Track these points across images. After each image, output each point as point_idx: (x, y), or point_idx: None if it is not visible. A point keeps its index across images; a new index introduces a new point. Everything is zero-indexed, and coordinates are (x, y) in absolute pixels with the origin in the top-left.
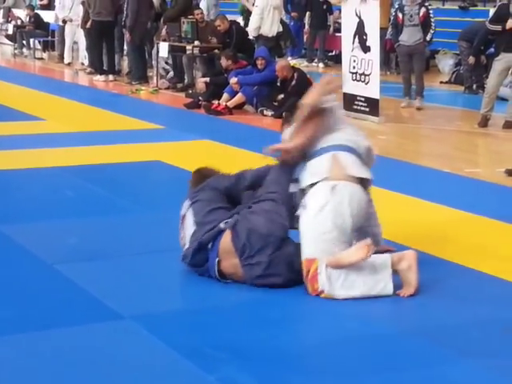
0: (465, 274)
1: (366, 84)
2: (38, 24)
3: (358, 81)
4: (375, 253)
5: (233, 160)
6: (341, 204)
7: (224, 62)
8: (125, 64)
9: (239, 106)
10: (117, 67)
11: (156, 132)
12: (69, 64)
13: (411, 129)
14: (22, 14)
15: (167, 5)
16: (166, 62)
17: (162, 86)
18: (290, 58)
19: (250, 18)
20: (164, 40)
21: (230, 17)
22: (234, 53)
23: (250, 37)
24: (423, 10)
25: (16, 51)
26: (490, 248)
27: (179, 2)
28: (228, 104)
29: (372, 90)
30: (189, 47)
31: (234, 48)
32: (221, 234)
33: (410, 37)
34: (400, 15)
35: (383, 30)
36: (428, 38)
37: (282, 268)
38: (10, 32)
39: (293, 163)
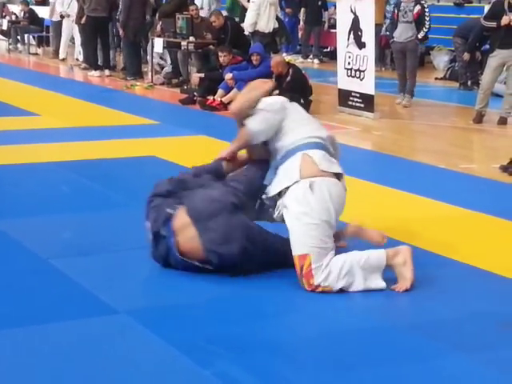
0: (460, 269)
1: (361, 80)
2: (33, 19)
3: (353, 77)
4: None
5: None
6: (323, 200)
7: (222, 58)
8: (120, 59)
9: None
10: (112, 63)
11: (151, 127)
12: (63, 60)
13: (406, 125)
14: (16, 9)
15: (162, 0)
16: (161, 58)
17: (156, 81)
18: (285, 54)
19: (246, 14)
20: (159, 36)
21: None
22: (230, 48)
23: (246, 32)
24: (418, 7)
25: (10, 47)
26: (485, 243)
27: None
28: (223, 99)
29: (367, 86)
30: (184, 43)
31: (229, 44)
32: (171, 218)
33: (401, 33)
34: (396, 11)
35: (378, 27)
36: (420, 35)
37: (237, 234)
38: (5, 27)
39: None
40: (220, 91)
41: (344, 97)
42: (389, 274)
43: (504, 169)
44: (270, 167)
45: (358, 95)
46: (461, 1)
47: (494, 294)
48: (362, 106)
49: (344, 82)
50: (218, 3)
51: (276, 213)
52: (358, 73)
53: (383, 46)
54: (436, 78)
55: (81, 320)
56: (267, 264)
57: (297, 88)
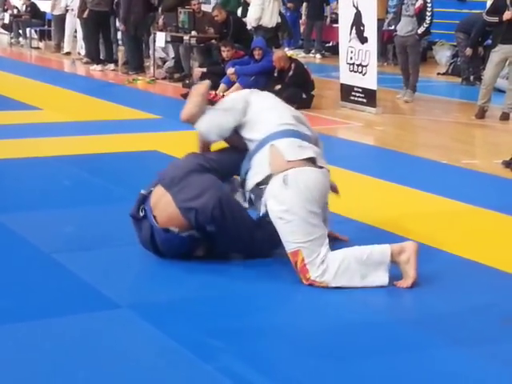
0: (462, 265)
1: (364, 75)
2: (35, 13)
3: (355, 72)
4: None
5: None
6: (300, 192)
7: (225, 53)
8: (120, 54)
9: None
10: (113, 57)
11: (153, 122)
12: (68, 53)
13: (408, 120)
14: (18, 3)
15: None
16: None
17: (158, 76)
18: (287, 49)
19: (250, 9)
20: (161, 30)
21: None
22: (232, 43)
23: (249, 27)
24: (420, 1)
25: (12, 40)
26: (487, 239)
27: None
28: (225, 94)
29: (369, 81)
30: (186, 37)
31: (232, 38)
32: (146, 199)
33: (402, 27)
34: (400, 5)
35: (380, 21)
36: (420, 31)
37: (209, 187)
38: (7, 21)
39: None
40: (222, 86)
41: (346, 92)
42: (392, 270)
43: (506, 164)
44: (246, 157)
45: (360, 90)
46: None
47: (496, 289)
48: (364, 100)
49: (346, 77)
50: None
51: (263, 209)
52: (360, 68)
53: (385, 40)
54: (438, 73)
55: (83, 314)
56: (239, 241)
57: (299, 83)
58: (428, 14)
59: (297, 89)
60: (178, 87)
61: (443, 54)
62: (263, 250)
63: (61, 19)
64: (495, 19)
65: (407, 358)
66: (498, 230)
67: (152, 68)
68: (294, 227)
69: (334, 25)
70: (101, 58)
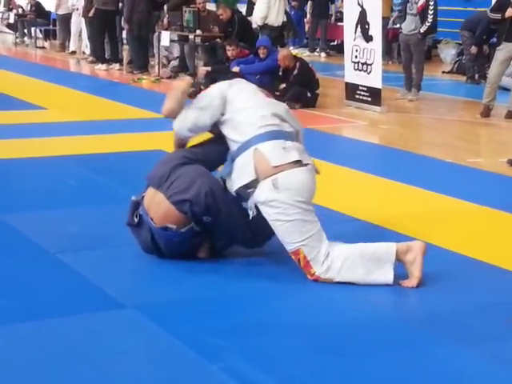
0: (466, 264)
1: (368, 73)
2: (40, 13)
3: (360, 70)
4: None
5: None
6: (291, 194)
7: (230, 52)
8: (125, 53)
9: None
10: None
11: (158, 121)
12: (73, 53)
13: (413, 118)
14: (23, 2)
15: None
16: (167, 50)
17: (163, 75)
18: (291, 48)
19: (256, 7)
20: (166, 29)
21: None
22: (237, 42)
23: (255, 25)
24: (422, 0)
25: (17, 40)
26: (492, 238)
27: None
28: None
29: (374, 80)
30: (191, 36)
31: (236, 37)
32: (138, 205)
33: (406, 25)
34: (405, 3)
35: (385, 20)
36: (422, 29)
37: (198, 176)
38: (12, 21)
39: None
40: None
41: (351, 90)
42: (400, 269)
43: (511, 163)
44: (228, 156)
45: (365, 89)
46: None
47: (501, 288)
48: (369, 99)
49: (351, 76)
50: None
51: (251, 213)
52: (365, 66)
53: (390, 39)
54: (443, 72)
55: (88, 314)
56: (236, 229)
57: (304, 81)
58: (430, 12)
59: (301, 88)
60: None
61: (448, 53)
62: (264, 232)
63: (65, 18)
64: (498, 16)
65: (411, 356)
66: (503, 229)
67: (157, 67)
68: (290, 228)
69: (339, 23)
70: (106, 57)
